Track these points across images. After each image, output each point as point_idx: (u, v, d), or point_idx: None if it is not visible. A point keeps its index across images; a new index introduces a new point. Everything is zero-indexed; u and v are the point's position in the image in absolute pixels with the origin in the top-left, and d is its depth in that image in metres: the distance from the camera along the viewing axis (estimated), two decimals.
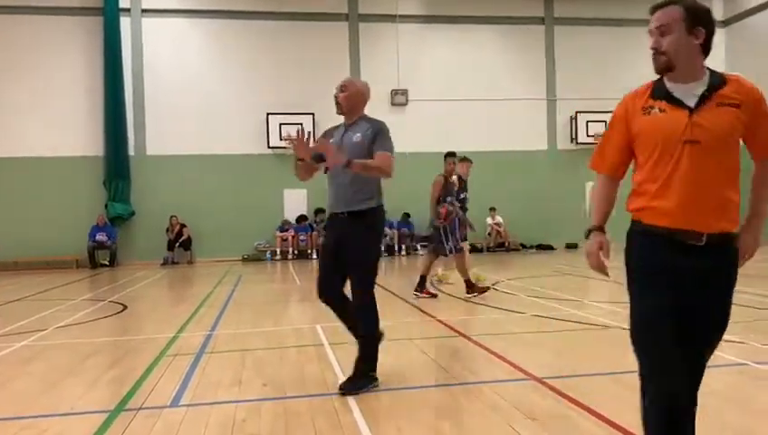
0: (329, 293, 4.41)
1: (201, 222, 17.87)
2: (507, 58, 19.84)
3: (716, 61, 20.73)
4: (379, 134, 4.32)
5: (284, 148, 18.22)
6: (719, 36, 20.74)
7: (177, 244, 17.57)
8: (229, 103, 18.25)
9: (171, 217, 17.57)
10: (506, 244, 18.78)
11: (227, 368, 4.97)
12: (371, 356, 4.26)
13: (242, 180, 18.23)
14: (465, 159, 9.56)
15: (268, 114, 18.16)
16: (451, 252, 8.85)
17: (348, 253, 4.25)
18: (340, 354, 5.23)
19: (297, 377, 4.63)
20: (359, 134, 4.37)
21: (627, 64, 20.36)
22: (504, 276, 11.59)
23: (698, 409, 3.63)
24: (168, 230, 17.60)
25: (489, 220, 18.80)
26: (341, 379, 4.41)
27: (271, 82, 18.48)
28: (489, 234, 18.85)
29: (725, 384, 4.27)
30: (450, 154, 9.28)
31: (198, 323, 7.20)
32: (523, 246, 18.86)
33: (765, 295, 7.94)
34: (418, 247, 18.40)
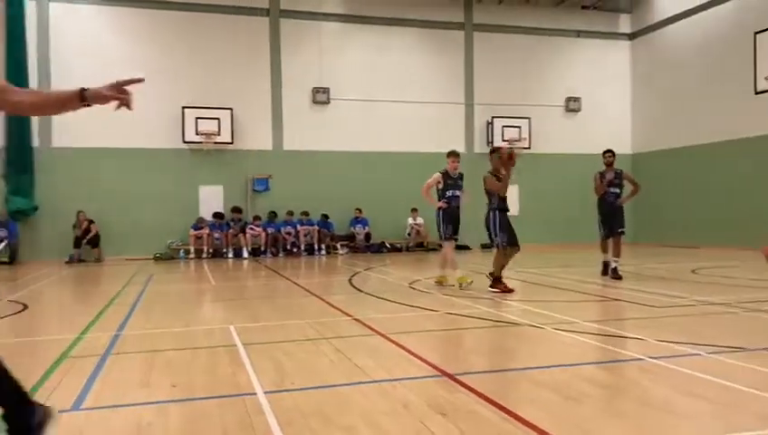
0: None
1: (111, 219, 17.16)
2: (428, 62, 20.15)
3: (621, 73, 21.94)
4: None
5: (200, 143, 17.79)
6: (624, 49, 21.96)
7: (85, 241, 16.79)
8: (142, 95, 17.35)
9: (78, 212, 16.78)
10: (425, 243, 19.06)
11: (134, 369, 4.79)
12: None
13: (155, 176, 17.65)
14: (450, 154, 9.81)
15: (184, 108, 17.67)
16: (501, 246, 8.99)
17: None
18: (254, 355, 5.15)
19: (208, 378, 4.52)
20: None
21: (542, 72, 21.18)
22: (422, 275, 11.75)
23: (596, 401, 3.83)
24: (74, 227, 16.79)
25: (410, 220, 19.02)
26: (254, 380, 4.35)
27: (187, 76, 17.98)
28: (409, 234, 19.07)
29: (622, 378, 4.50)
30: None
31: (105, 324, 6.91)
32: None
33: (660, 294, 8.42)
34: (338, 247, 18.39)
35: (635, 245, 17.23)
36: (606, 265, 10.50)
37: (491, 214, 9.04)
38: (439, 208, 9.61)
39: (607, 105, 21.49)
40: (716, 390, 3.98)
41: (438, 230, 9.81)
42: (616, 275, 10.14)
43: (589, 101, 21.22)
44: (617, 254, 10.29)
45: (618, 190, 10.51)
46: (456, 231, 9.72)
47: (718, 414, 3.57)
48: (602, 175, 10.55)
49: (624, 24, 21.97)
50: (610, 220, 10.38)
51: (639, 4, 21.49)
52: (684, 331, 6.09)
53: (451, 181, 9.59)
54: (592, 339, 5.68)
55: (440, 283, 9.79)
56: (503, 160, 9.00)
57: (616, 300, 8.19)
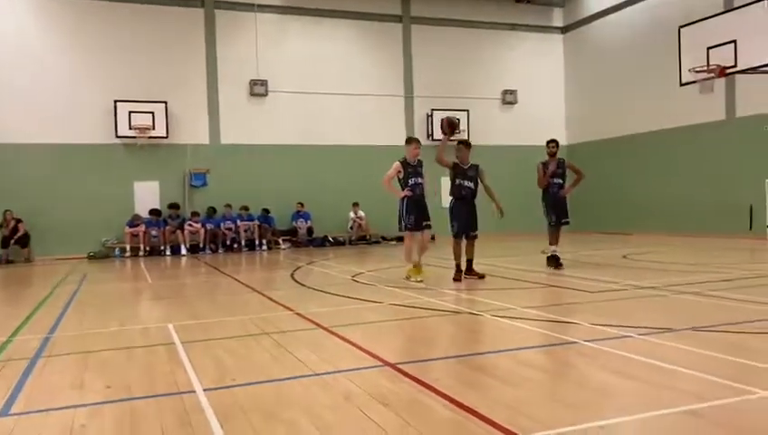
0: None
1: (41, 217, 16.49)
2: (366, 54, 20.15)
3: (555, 66, 22.49)
4: None
5: (134, 137, 17.27)
6: (558, 43, 22.52)
7: (13, 241, 16.08)
8: (72, 88, 16.95)
9: (5, 211, 16.07)
10: (368, 236, 19.10)
11: (67, 372, 4.62)
12: None
13: (87, 172, 17.05)
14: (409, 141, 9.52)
15: (116, 101, 17.11)
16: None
17: None
18: (193, 353, 5.05)
19: (145, 377, 4.41)
20: None
21: (479, 65, 21.49)
22: (365, 268, 11.78)
23: (534, 385, 3.93)
24: (1, 226, 16.06)
25: (352, 214, 19.02)
26: (193, 377, 4.27)
27: (119, 68, 17.42)
28: (351, 227, 19.06)
29: (557, 361, 4.64)
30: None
31: (35, 326, 6.64)
32: (384, 239, 19.27)
33: (595, 280, 8.71)
34: (280, 242, 18.22)
35: (572, 233, 17.69)
36: (554, 257, 10.30)
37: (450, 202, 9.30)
38: (403, 197, 9.16)
39: (542, 97, 22.00)
40: (646, 369, 4.15)
41: (400, 222, 9.30)
42: (557, 264, 10.17)
43: (524, 93, 21.67)
44: (554, 242, 10.36)
45: (561, 181, 10.40)
46: (420, 221, 9.16)
47: (648, 393, 3.72)
48: (545, 165, 10.38)
49: (557, 17, 22.52)
50: (557, 210, 10.33)
51: None
52: (616, 314, 6.32)
53: (411, 169, 9.20)
54: (530, 325, 5.82)
55: (408, 277, 9.31)
56: (442, 130, 9.28)
57: (553, 286, 8.41)
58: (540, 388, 3.92)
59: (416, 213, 9.15)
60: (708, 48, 12.33)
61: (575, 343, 4.98)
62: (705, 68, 12.38)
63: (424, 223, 9.21)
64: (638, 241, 16.16)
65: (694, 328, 5.35)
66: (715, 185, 16.96)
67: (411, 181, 9.16)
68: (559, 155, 10.56)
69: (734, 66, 12.02)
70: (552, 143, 10.53)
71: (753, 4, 11.86)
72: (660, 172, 18.68)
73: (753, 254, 12.98)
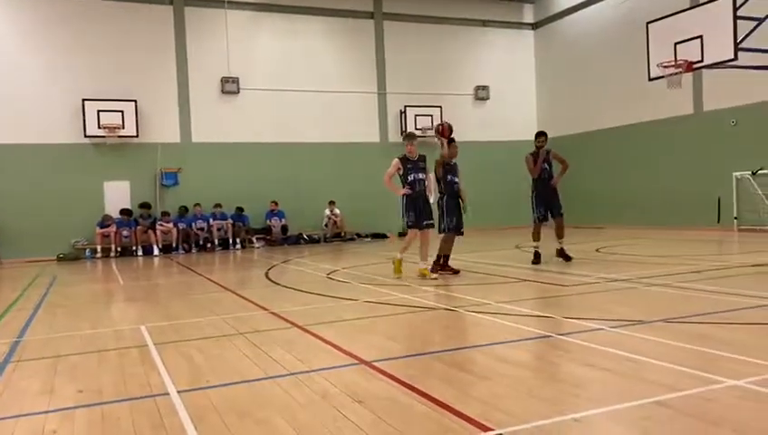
0: None
1: (8, 219, 16.15)
2: (338, 51, 20.08)
3: (526, 62, 22.66)
4: None
5: (103, 137, 17.00)
6: (529, 39, 22.69)
7: None
8: (39, 88, 16.62)
9: None
10: (343, 234, 19.06)
11: (36, 377, 4.54)
12: None
13: (55, 172, 16.74)
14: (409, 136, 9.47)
15: (84, 100, 16.81)
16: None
17: None
18: (166, 355, 5.00)
19: (117, 380, 4.34)
20: None
21: (451, 61, 21.55)
22: (340, 265, 11.76)
23: (508, 379, 3.96)
24: None
25: (327, 211, 18.96)
26: (167, 379, 4.23)
27: (87, 66, 17.11)
28: (326, 225, 19.00)
29: (531, 355, 4.68)
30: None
31: (4, 330, 6.51)
32: (359, 235, 19.25)
33: (568, 274, 8.82)
34: (254, 241, 18.10)
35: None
36: (537, 254, 10.25)
37: (441, 199, 9.38)
38: (404, 195, 9.00)
39: (514, 93, 22.15)
40: (618, 361, 4.21)
41: (402, 219, 9.24)
42: (565, 257, 10.17)
43: (497, 89, 21.79)
44: (560, 235, 10.35)
45: (548, 170, 10.39)
46: (420, 219, 8.97)
47: (620, 385, 3.78)
48: (534, 156, 10.36)
49: (528, 13, 22.68)
50: (550, 203, 10.32)
51: None
52: (589, 307, 6.40)
53: (411, 165, 9.02)
54: (505, 319, 5.86)
55: (423, 274, 8.98)
56: (442, 134, 9.35)
57: (527, 281, 8.49)
58: (515, 382, 3.95)
59: (415, 211, 9.00)
60: (676, 43, 12.51)
61: (549, 336, 5.04)
62: (673, 63, 12.57)
63: (424, 222, 9.03)
64: (610, 235, 16.38)
65: (664, 320, 5.44)
66: (685, 178, 17.25)
67: (411, 177, 9.01)
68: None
69: (701, 61, 12.22)
70: (542, 137, 10.53)
71: (718, 1, 12.07)
72: (631, 166, 18.95)
73: (721, 245, 13.26)
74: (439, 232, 9.37)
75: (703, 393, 3.45)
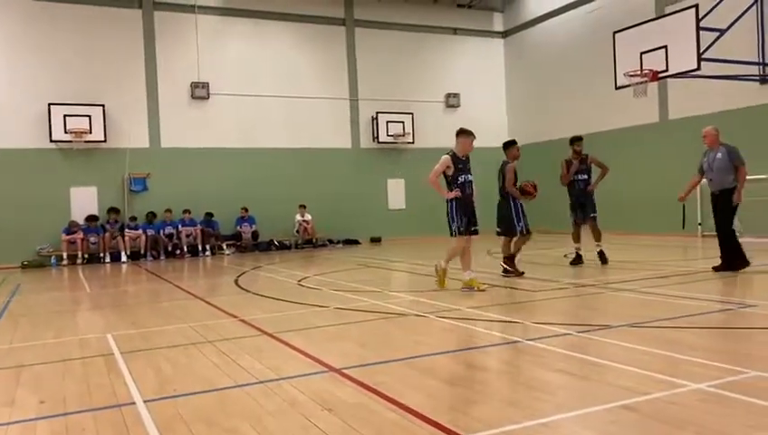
0: None
1: None
2: (310, 57, 20.04)
3: (496, 70, 22.89)
4: None
5: (70, 142, 16.69)
6: (499, 47, 22.94)
7: None
8: (3, 91, 16.26)
9: None
10: (314, 240, 18.98)
11: None
12: None
13: (19, 178, 16.38)
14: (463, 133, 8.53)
15: (50, 105, 16.49)
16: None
17: None
18: (133, 363, 4.92)
19: (82, 391, 4.26)
20: None
21: (423, 68, 21.67)
22: (311, 272, 11.70)
23: (476, 384, 3.98)
24: None
25: (298, 217, 18.86)
26: (133, 389, 4.16)
27: (53, 70, 16.81)
28: (297, 231, 18.90)
29: (500, 361, 4.72)
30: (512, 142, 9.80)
31: None
32: (331, 242, 19.19)
33: (536, 279, 8.91)
34: (224, 247, 17.92)
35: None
36: (578, 256, 10.54)
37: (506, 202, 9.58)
38: (453, 199, 8.05)
39: (484, 100, 22.32)
40: (586, 366, 4.27)
41: (450, 225, 8.15)
42: (602, 259, 10.40)
43: (467, 96, 21.95)
44: (597, 238, 10.60)
45: (586, 177, 10.69)
46: (471, 223, 8.15)
47: (587, 389, 3.83)
48: (569, 163, 10.66)
49: (497, 22, 22.93)
50: (582, 207, 10.62)
51: (511, 3, 22.51)
52: (557, 312, 6.48)
53: (461, 165, 8.10)
54: (474, 325, 5.90)
55: (470, 286, 8.10)
56: (528, 192, 9.65)
57: (497, 286, 8.55)
58: (483, 388, 3.98)
59: (468, 214, 8.13)
60: (642, 53, 12.77)
61: (518, 341, 5.08)
62: (639, 72, 12.82)
63: (472, 228, 8.19)
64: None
65: (630, 324, 5.53)
66: (651, 185, 17.56)
67: (461, 179, 8.06)
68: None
69: (666, 71, 12.49)
70: (578, 142, 10.70)
71: (682, 12, 12.37)
72: (598, 173, 19.22)
73: (686, 251, 13.53)
74: (514, 235, 9.50)
75: (668, 397, 3.51)
